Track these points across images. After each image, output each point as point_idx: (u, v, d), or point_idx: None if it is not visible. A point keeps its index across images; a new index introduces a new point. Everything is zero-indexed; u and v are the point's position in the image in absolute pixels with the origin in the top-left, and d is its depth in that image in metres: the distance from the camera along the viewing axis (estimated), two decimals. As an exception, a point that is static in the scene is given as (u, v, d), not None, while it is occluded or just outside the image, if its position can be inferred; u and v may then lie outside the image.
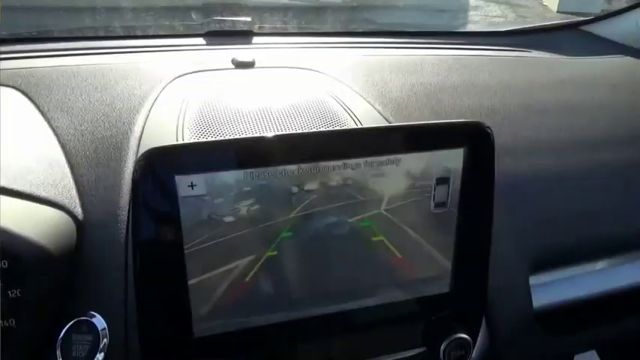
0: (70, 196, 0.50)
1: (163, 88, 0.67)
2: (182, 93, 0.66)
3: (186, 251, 0.41)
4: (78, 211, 0.50)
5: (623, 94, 0.84)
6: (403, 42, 0.98)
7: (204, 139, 0.54)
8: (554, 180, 0.67)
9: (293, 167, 0.41)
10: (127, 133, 0.57)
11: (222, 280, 0.42)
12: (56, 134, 0.56)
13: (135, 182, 0.39)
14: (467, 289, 0.50)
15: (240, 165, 0.40)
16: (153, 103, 0.63)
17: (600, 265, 0.69)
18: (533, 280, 0.63)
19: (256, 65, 0.77)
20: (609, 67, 0.97)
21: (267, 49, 0.89)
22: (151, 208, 0.40)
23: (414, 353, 0.50)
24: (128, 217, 0.51)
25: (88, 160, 0.54)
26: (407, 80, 0.76)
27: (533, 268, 0.63)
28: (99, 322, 0.47)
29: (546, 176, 0.66)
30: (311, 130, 0.57)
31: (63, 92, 0.63)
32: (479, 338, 0.55)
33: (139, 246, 0.40)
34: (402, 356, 0.50)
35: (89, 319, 0.47)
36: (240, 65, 0.76)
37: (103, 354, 0.46)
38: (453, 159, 0.46)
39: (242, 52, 0.80)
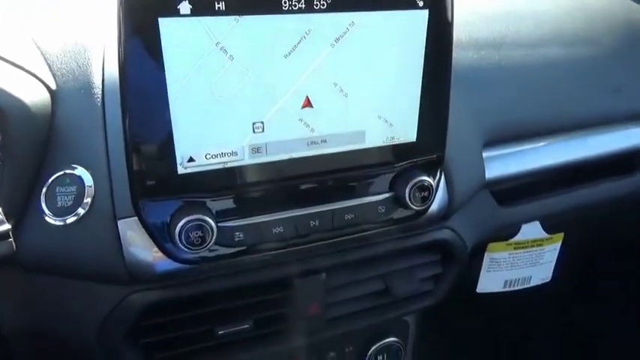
0: (41, 67, 0.51)
1: None
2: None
3: (169, 88, 0.42)
4: (51, 81, 0.50)
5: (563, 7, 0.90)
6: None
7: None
8: (509, 69, 0.72)
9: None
10: None
11: (206, 116, 0.45)
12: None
13: (119, 22, 0.40)
14: (429, 139, 0.54)
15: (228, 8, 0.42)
16: None
17: (546, 141, 0.76)
18: (487, 153, 0.70)
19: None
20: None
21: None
22: (134, 48, 0.41)
23: (382, 197, 0.55)
24: (103, 78, 0.52)
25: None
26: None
27: (486, 143, 0.69)
28: (82, 173, 0.49)
29: (503, 66, 0.72)
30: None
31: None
32: (437, 199, 0.60)
33: (126, 80, 0.42)
34: (370, 200, 0.54)
35: (72, 171, 0.49)
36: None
37: (88, 202, 0.48)
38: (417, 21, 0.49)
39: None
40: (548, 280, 0.87)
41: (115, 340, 0.51)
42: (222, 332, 0.55)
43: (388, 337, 0.70)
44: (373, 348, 0.69)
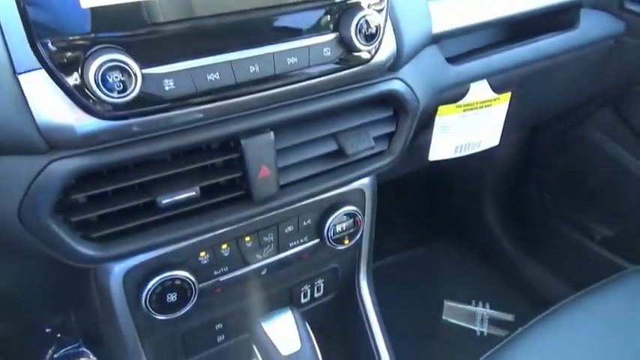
0: None
1: None
2: None
3: None
4: None
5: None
6: None
7: None
8: None
9: None
10: None
11: None
12: None
13: None
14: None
15: None
16: None
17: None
18: (433, 5, 0.66)
19: None
20: None
21: None
22: None
23: (327, 38, 0.50)
24: None
25: None
26: None
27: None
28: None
29: None
30: None
31: None
32: (385, 46, 0.56)
33: None
34: (314, 41, 0.49)
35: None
36: None
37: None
38: None
39: None
40: (496, 144, 0.88)
41: (40, 218, 0.45)
42: (165, 202, 0.50)
43: (345, 206, 0.68)
44: (331, 218, 0.67)
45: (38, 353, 1.21)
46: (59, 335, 1.24)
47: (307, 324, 0.59)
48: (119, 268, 0.56)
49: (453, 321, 1.46)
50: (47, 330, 1.22)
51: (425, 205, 1.68)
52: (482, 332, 1.43)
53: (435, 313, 1.47)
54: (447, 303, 1.48)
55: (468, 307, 1.47)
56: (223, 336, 0.71)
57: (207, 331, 0.69)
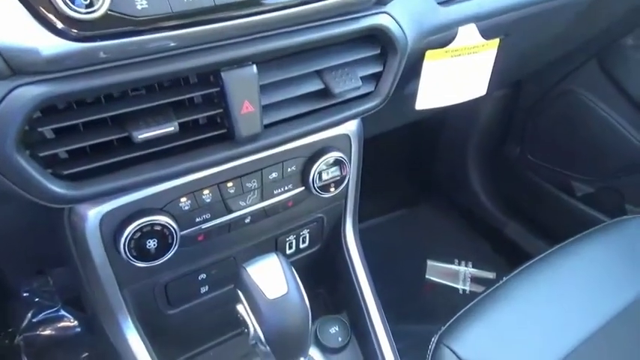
0: None
1: None
2: None
3: None
4: None
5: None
6: None
7: None
8: None
9: None
10: None
11: None
12: None
13: None
14: None
15: None
16: None
17: None
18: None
19: None
20: None
21: None
22: None
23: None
24: None
25: None
26: None
27: None
28: None
29: None
30: None
31: None
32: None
33: None
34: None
35: None
36: None
37: None
38: None
39: None
40: (483, 94, 0.86)
41: (6, 151, 0.41)
42: (142, 137, 0.46)
43: (331, 152, 0.66)
44: (316, 165, 0.65)
45: (17, 318, 1.18)
46: (37, 299, 1.21)
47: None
48: (94, 213, 0.53)
49: (436, 280, 1.47)
50: (25, 294, 1.19)
51: (409, 167, 1.68)
52: (464, 290, 1.45)
53: (418, 272, 1.48)
54: (430, 262, 1.49)
55: (450, 266, 1.49)
56: (207, 287, 0.69)
57: (191, 281, 0.67)
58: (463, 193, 1.55)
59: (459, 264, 1.48)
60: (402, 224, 1.62)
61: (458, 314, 0.80)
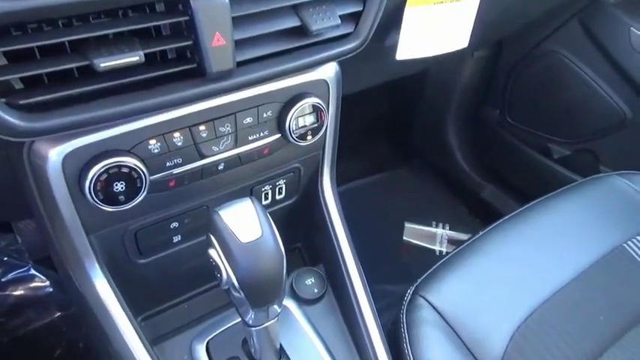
0: None
1: None
2: None
3: None
4: None
5: None
6: None
7: None
8: None
9: None
10: None
11: None
12: None
13: None
14: None
15: None
16: None
17: None
18: None
19: None
20: None
21: None
22: None
23: None
24: None
25: None
26: None
27: None
28: None
29: None
30: None
31: None
32: None
33: None
34: None
35: None
36: None
37: None
38: None
39: None
40: (465, 46, 0.84)
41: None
42: (104, 65, 0.43)
43: (308, 98, 0.63)
44: (293, 110, 0.63)
45: (-15, 278, 1.15)
46: (6, 259, 1.18)
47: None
48: (56, 153, 0.50)
49: (413, 241, 1.48)
50: (-7, 253, 1.15)
51: (388, 129, 1.67)
52: (441, 252, 1.47)
53: (396, 234, 1.49)
54: (408, 224, 1.50)
55: (427, 228, 1.50)
56: (180, 237, 0.67)
57: (162, 230, 0.65)
58: (441, 155, 1.55)
59: (436, 226, 1.50)
60: (381, 187, 1.62)
61: (434, 267, 0.80)
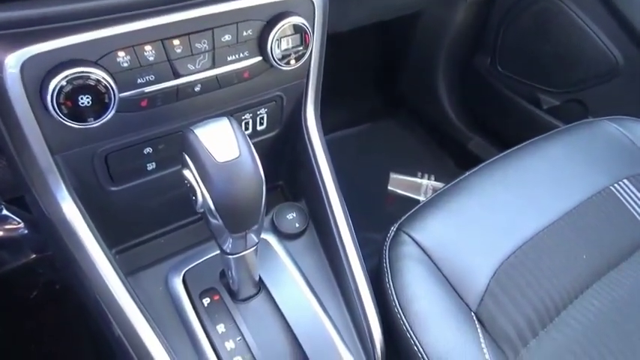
0: None
1: None
2: None
3: None
4: None
5: None
6: None
7: None
8: None
9: None
10: None
11: None
12: None
13: None
14: None
15: None
16: None
17: None
18: None
19: None
20: None
21: None
22: None
23: None
24: None
25: None
26: None
27: None
28: None
29: None
30: None
31: None
32: None
33: None
34: None
35: None
36: None
37: None
38: None
39: None
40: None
41: None
42: None
43: (292, 17, 0.59)
44: (275, 29, 0.59)
45: (-44, 220, 1.11)
46: (-23, 200, 1.13)
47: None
48: (13, 59, 0.46)
49: (398, 191, 1.47)
50: (-38, 195, 1.11)
51: (376, 77, 1.62)
52: (426, 202, 1.46)
53: (381, 185, 1.48)
54: (393, 175, 1.48)
55: (413, 178, 1.48)
56: (154, 164, 0.64)
57: (135, 155, 0.61)
58: (430, 106, 1.52)
59: (422, 177, 1.48)
60: (367, 138, 1.59)
61: (418, 205, 0.79)
